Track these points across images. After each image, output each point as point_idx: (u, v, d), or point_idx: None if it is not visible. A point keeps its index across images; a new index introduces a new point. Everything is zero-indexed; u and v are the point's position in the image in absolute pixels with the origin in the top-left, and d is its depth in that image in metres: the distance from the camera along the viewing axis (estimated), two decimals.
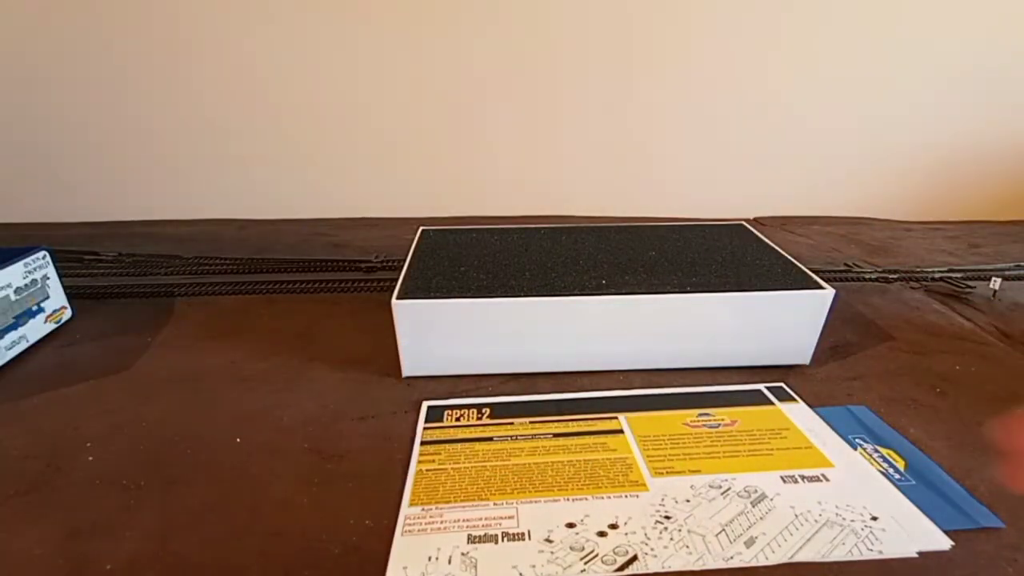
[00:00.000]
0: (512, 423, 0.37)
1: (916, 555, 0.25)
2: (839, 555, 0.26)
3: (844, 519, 0.28)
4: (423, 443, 0.36)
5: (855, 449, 0.34)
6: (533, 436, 0.36)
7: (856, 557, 0.26)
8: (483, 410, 0.39)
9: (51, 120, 0.77)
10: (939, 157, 0.83)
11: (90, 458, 0.34)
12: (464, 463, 0.34)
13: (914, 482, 0.32)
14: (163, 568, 0.27)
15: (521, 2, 0.73)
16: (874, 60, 0.76)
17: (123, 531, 0.29)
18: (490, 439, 0.36)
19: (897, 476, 0.32)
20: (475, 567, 0.26)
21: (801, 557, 0.26)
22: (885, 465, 0.33)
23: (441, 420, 0.38)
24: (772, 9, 0.73)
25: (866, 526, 0.27)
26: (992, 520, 0.29)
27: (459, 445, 0.35)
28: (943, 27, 0.74)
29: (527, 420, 0.38)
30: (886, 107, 0.79)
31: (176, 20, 0.72)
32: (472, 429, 0.37)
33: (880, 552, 0.26)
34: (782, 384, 0.41)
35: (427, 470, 0.33)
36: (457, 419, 0.38)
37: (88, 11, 0.71)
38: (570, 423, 0.37)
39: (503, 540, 0.27)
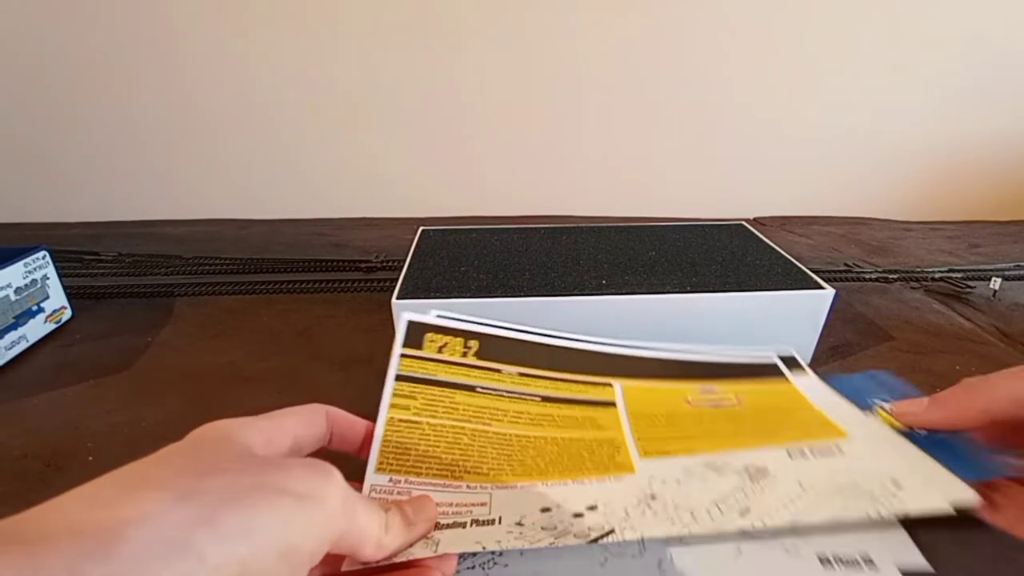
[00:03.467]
0: (500, 371, 0.33)
1: (950, 509, 0.24)
2: (853, 517, 0.24)
3: (860, 486, 0.25)
4: (399, 377, 0.31)
5: (871, 409, 0.31)
6: (520, 395, 0.32)
7: (874, 516, 0.24)
8: (469, 344, 0.33)
9: (51, 120, 0.77)
10: (939, 157, 0.83)
11: (90, 458, 0.35)
12: (442, 418, 0.30)
13: (940, 437, 0.28)
14: None
15: (521, 3, 0.73)
16: (874, 60, 0.76)
17: None
18: (473, 389, 0.32)
19: (923, 433, 0.29)
20: (436, 546, 0.24)
21: (804, 520, 0.24)
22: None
23: (421, 346, 0.32)
24: (772, 9, 0.73)
25: (886, 489, 0.25)
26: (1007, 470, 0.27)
27: (438, 390, 0.31)
28: (943, 27, 0.74)
29: (516, 371, 0.34)
30: (886, 107, 0.79)
31: (175, 20, 0.72)
32: (455, 369, 0.32)
33: (905, 513, 0.24)
34: (792, 351, 0.38)
35: (400, 420, 0.29)
36: (440, 349, 0.32)
37: (87, 11, 0.71)
38: (561, 384, 0.34)
39: (471, 526, 0.25)
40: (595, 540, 0.24)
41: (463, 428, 0.30)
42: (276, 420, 0.24)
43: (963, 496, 0.23)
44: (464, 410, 0.31)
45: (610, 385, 0.35)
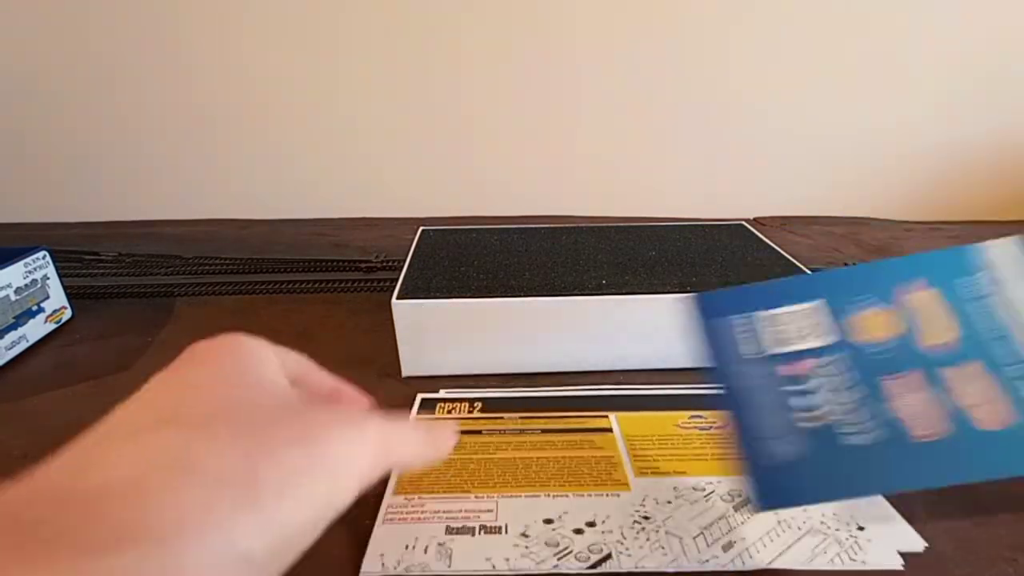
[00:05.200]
0: (502, 417, 0.38)
1: (901, 567, 0.25)
2: (820, 564, 0.25)
3: (829, 527, 0.27)
4: None
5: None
6: (521, 431, 0.36)
7: (838, 567, 0.25)
8: (475, 404, 0.39)
9: (51, 120, 0.77)
10: (939, 157, 0.83)
11: None
12: (451, 454, 0.34)
13: None
14: None
15: (521, 3, 0.73)
16: (874, 60, 0.76)
17: None
18: (479, 432, 0.36)
19: None
20: (449, 558, 0.26)
21: (780, 564, 0.25)
22: None
23: (433, 411, 0.38)
24: (772, 9, 0.73)
25: (851, 535, 0.27)
26: None
27: None
28: (943, 27, 0.74)
29: (517, 416, 0.38)
30: (886, 107, 0.79)
31: (175, 20, 0.72)
32: (462, 422, 0.37)
33: (863, 563, 0.25)
34: None
35: None
36: (449, 411, 0.38)
37: (87, 11, 0.71)
38: (559, 419, 0.37)
39: (480, 532, 0.27)
40: (594, 566, 0.26)
41: (471, 459, 0.33)
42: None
43: (914, 547, 0.26)
44: (471, 447, 0.35)
45: (606, 416, 0.38)
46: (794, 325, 0.26)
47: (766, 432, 0.23)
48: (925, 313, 0.25)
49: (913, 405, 0.23)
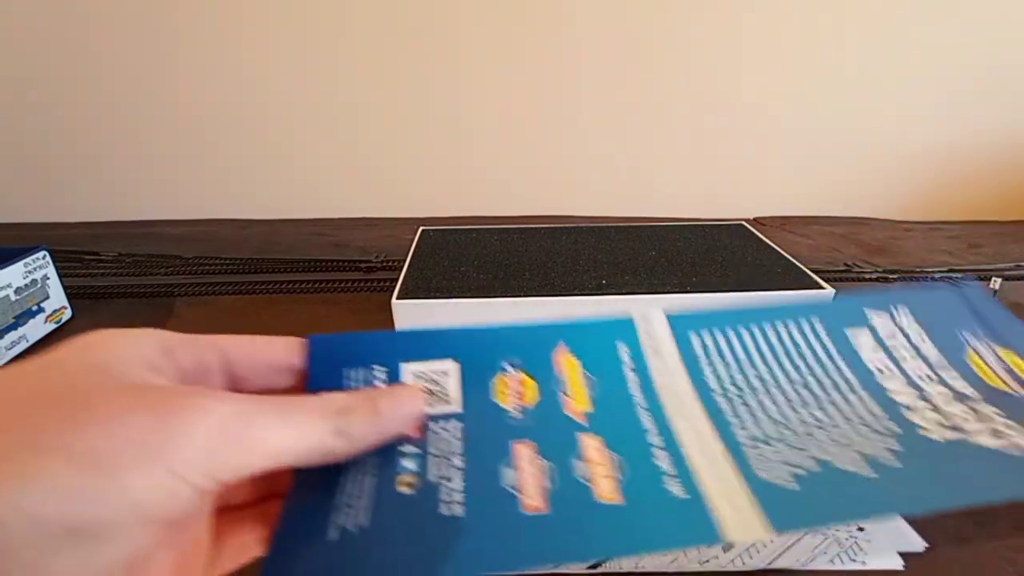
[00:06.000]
0: None
1: (901, 567, 0.25)
2: (820, 564, 0.25)
3: (829, 528, 0.27)
4: None
5: (965, 347, 0.23)
6: None
7: (838, 567, 0.25)
8: None
9: (51, 120, 0.77)
10: (939, 157, 0.83)
11: None
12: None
13: None
14: None
15: (521, 2, 0.73)
16: (874, 60, 0.76)
17: None
18: None
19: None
20: None
21: (780, 564, 0.26)
22: (1007, 377, 0.22)
23: None
24: (772, 9, 0.73)
25: (851, 536, 0.27)
26: None
27: None
28: (943, 26, 0.74)
29: None
30: (886, 107, 0.79)
31: (176, 19, 0.72)
32: None
33: (863, 563, 0.25)
34: None
35: None
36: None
37: (87, 11, 0.71)
38: None
39: None
40: (594, 566, 0.25)
41: None
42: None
43: (914, 547, 0.26)
44: None
45: None
46: (427, 381, 0.22)
47: (347, 499, 0.18)
48: (568, 380, 0.23)
49: (532, 475, 0.20)
